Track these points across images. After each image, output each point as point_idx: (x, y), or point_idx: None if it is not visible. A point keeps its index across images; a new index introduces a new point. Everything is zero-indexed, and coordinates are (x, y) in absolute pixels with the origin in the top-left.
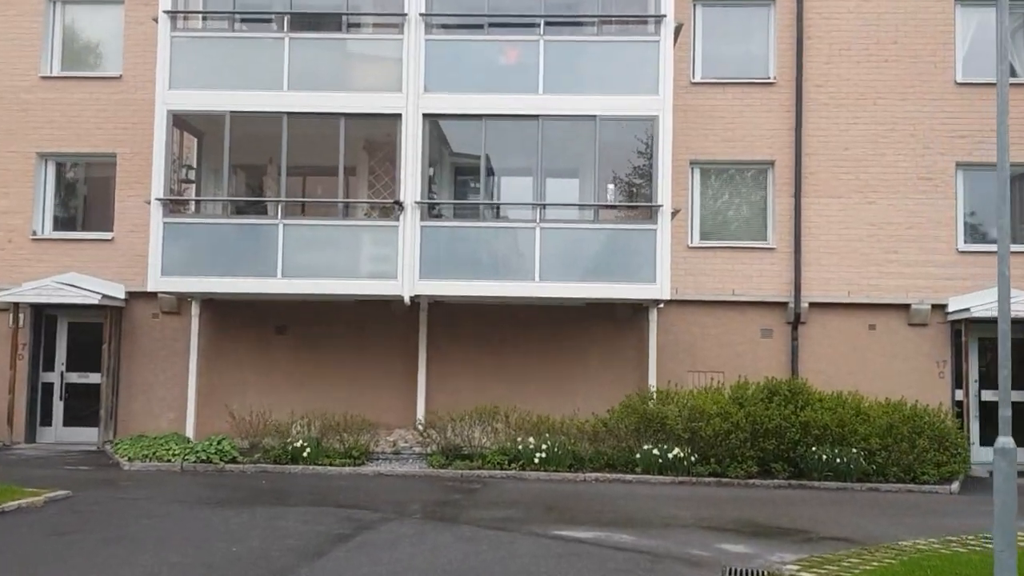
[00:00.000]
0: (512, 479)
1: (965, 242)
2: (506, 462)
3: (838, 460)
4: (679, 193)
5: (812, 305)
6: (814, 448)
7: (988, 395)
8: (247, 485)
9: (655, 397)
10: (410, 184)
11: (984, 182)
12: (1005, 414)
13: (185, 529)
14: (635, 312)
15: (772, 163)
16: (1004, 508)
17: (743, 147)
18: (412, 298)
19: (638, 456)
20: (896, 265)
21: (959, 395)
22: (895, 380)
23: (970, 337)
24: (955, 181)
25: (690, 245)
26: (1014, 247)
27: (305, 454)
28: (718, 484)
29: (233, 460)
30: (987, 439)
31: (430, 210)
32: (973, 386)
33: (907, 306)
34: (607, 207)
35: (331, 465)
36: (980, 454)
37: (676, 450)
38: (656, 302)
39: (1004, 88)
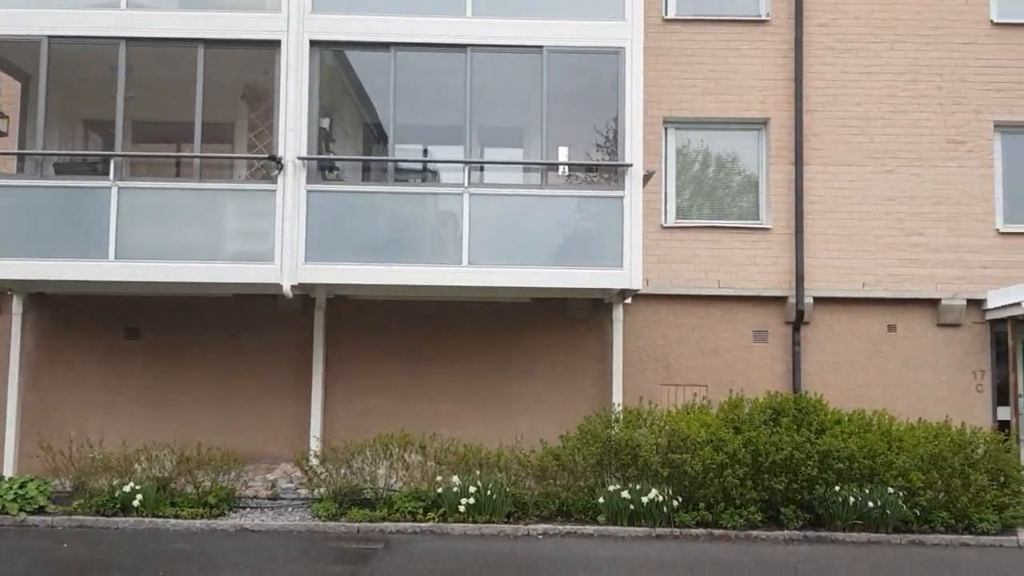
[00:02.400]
0: (428, 535)
1: (1006, 221)
2: (421, 510)
3: (870, 503)
4: (651, 159)
5: (817, 301)
6: (837, 487)
7: None
8: (36, 552)
9: (621, 419)
10: (291, 136)
11: None
12: None
13: None
14: (596, 309)
15: (766, 122)
16: None
17: (729, 102)
18: (297, 289)
19: (601, 500)
20: (921, 250)
21: (1003, 413)
22: (921, 395)
23: (1019, 340)
24: (993, 145)
25: (664, 225)
26: None
27: (136, 502)
28: (710, 538)
29: (40, 510)
30: None
31: (321, 171)
32: (1021, 402)
33: (936, 301)
34: (558, 166)
35: (177, 517)
36: None
37: (652, 491)
38: (623, 295)
39: None
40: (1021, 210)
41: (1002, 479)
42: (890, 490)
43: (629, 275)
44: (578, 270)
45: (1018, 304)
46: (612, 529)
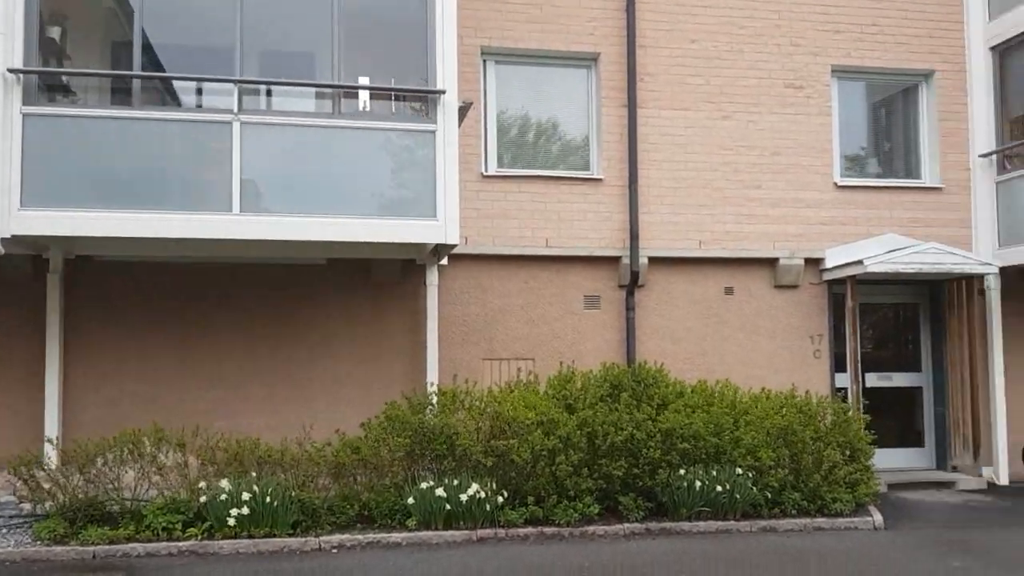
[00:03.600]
0: (188, 557)
1: (844, 174)
2: (179, 525)
3: (718, 487)
4: (468, 95)
5: (653, 261)
6: (682, 471)
7: (873, 379)
8: None
9: (436, 402)
10: (1, 41)
11: (863, 94)
12: None
13: None
14: (406, 272)
15: (596, 58)
16: None
17: (555, 33)
18: (15, 244)
19: (411, 500)
20: (759, 205)
21: (841, 380)
22: (759, 363)
23: (858, 302)
24: (831, 91)
25: (485, 173)
26: (888, 181)
27: None
28: (541, 538)
29: None
30: (878, 440)
31: (49, 92)
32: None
33: (774, 261)
34: (356, 91)
35: None
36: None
37: (473, 487)
38: (438, 253)
39: None
40: (855, 163)
41: (849, 453)
42: (739, 471)
43: (444, 228)
44: (382, 220)
45: (859, 263)
46: (425, 535)
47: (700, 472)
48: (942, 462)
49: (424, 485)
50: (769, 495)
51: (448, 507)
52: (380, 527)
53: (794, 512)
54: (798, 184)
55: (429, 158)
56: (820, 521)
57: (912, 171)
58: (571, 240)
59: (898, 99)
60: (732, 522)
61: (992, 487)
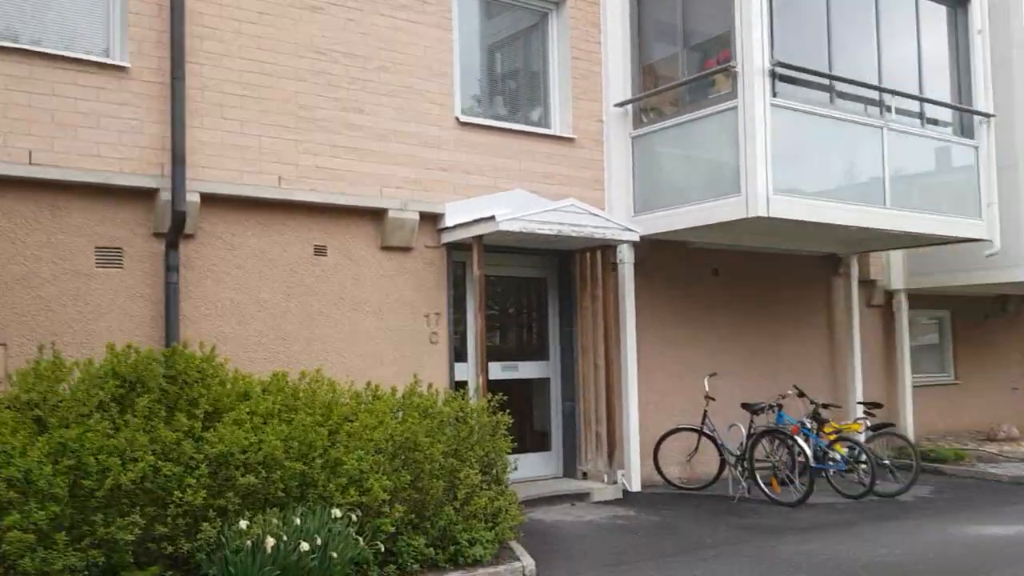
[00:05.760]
0: None
1: (466, 112)
2: None
3: (303, 545)
4: None
5: (209, 201)
6: (245, 522)
7: (497, 370)
8: None
9: None
10: None
11: (489, 17)
12: None
13: None
14: None
15: None
16: None
17: None
18: None
19: None
20: (363, 135)
21: (461, 372)
22: (363, 351)
23: (483, 272)
24: (452, 1)
25: None
26: (518, 126)
27: None
28: None
29: None
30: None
31: None
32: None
33: (381, 214)
34: None
35: None
36: None
37: None
38: None
39: None
40: (485, 100)
41: (495, 472)
42: (336, 513)
43: None
44: None
45: (490, 219)
46: None
47: (275, 522)
48: (571, 467)
49: None
50: (381, 545)
51: None
52: None
53: (416, 567)
54: (412, 113)
55: None
56: None
57: (545, 118)
58: (73, 158)
59: (530, 29)
60: None
61: (627, 496)
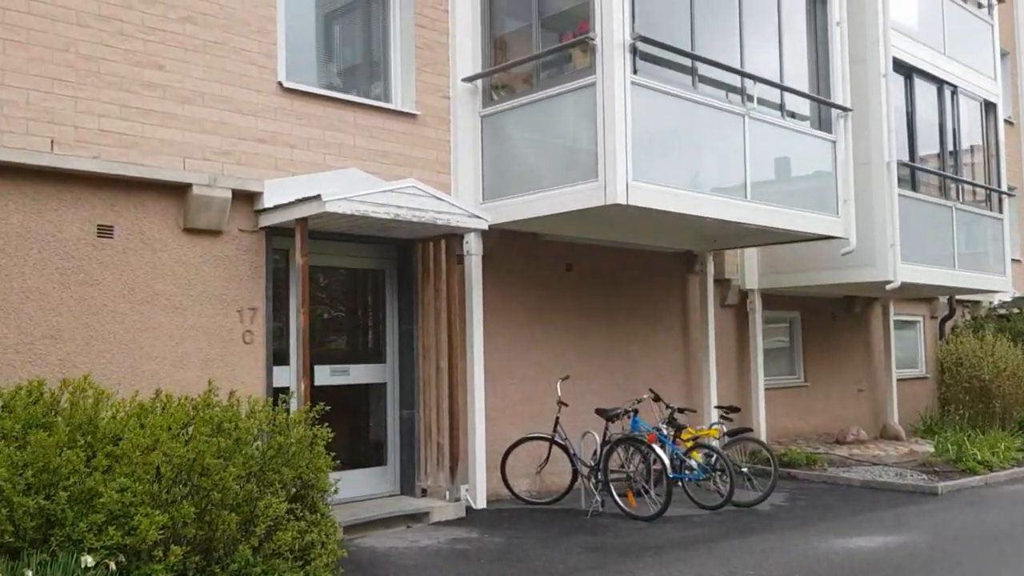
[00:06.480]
0: None
1: (292, 77)
2: None
3: None
4: None
5: None
6: None
7: (325, 374)
8: None
9: None
10: None
11: None
12: None
13: None
14: None
15: None
16: None
17: None
18: None
19: None
20: (162, 95)
21: (281, 377)
22: (158, 351)
23: (308, 261)
24: None
25: None
26: (354, 97)
27: None
28: None
29: None
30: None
31: None
32: (306, 359)
33: (184, 189)
34: None
35: None
36: None
37: None
38: None
39: None
40: (315, 65)
41: (301, 493)
42: (88, 561)
43: None
44: None
45: (315, 199)
46: None
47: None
48: (410, 484)
49: None
50: None
51: None
52: None
53: None
54: (225, 74)
55: None
56: None
57: (386, 92)
58: None
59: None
60: None
61: (471, 514)
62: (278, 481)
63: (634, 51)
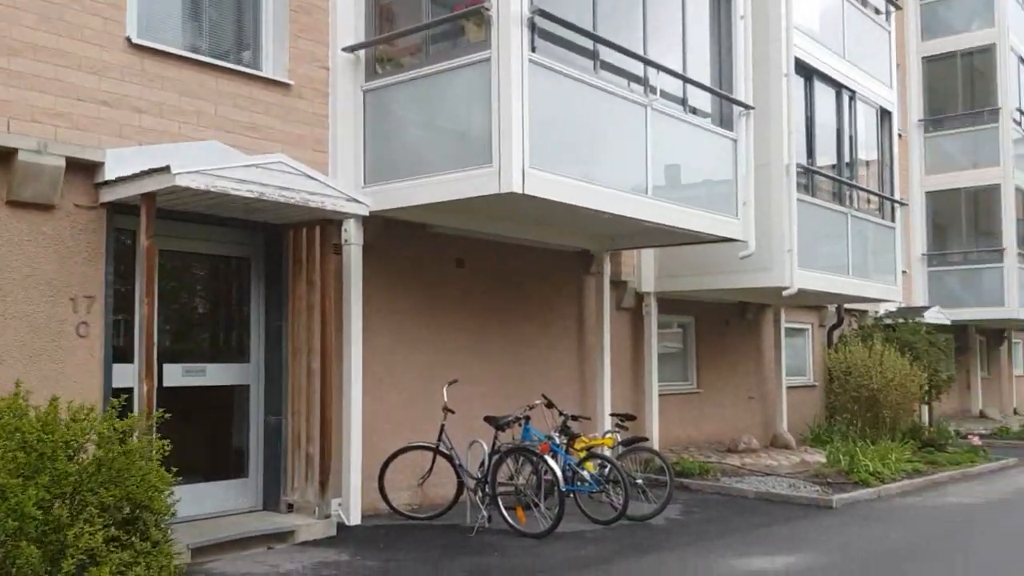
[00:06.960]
0: None
1: (144, 32)
2: None
3: None
4: None
5: None
6: None
7: (176, 374)
8: None
9: None
10: None
11: None
12: None
13: None
14: None
15: None
16: None
17: None
18: None
19: None
20: None
21: (123, 376)
22: None
23: (155, 244)
24: None
25: None
26: (216, 61)
27: None
28: None
29: None
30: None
31: None
32: (152, 357)
33: (9, 156)
34: None
35: None
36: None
37: None
38: None
39: None
40: (172, 22)
41: (131, 516)
42: None
43: None
44: None
45: (164, 171)
46: None
47: None
48: (274, 498)
49: None
50: None
51: None
52: None
53: None
54: (62, 25)
55: None
56: None
57: (255, 58)
58: None
59: None
60: None
61: (343, 531)
62: (96, 504)
63: (532, 27)
